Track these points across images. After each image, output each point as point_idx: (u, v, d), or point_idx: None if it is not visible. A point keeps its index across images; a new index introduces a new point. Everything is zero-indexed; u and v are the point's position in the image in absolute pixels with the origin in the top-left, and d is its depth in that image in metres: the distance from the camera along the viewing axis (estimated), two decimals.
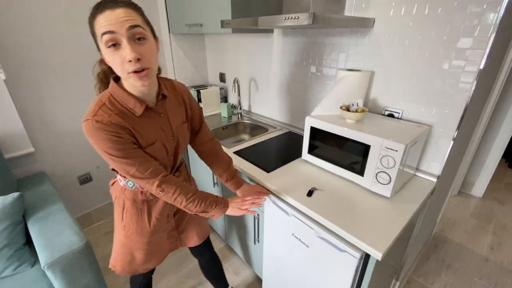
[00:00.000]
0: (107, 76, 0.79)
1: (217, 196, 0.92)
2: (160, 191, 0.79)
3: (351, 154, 1.05)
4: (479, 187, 2.40)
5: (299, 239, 1.03)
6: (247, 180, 1.25)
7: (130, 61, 0.64)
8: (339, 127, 1.05)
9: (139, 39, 0.65)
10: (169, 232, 1.04)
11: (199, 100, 2.00)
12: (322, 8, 1.11)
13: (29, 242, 1.23)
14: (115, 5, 0.62)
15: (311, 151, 1.21)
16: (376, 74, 1.20)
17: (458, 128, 1.02)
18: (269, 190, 1.10)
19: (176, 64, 2.06)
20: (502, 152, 2.23)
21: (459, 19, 0.91)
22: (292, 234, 1.05)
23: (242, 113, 1.97)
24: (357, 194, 1.03)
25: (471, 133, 1.57)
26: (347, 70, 1.21)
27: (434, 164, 1.12)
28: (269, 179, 1.12)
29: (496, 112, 2.13)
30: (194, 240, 1.13)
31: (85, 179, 1.92)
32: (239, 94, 1.91)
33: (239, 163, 1.27)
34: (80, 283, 1.14)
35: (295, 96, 1.62)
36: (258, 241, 1.35)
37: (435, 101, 1.05)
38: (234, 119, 1.92)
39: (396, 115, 1.18)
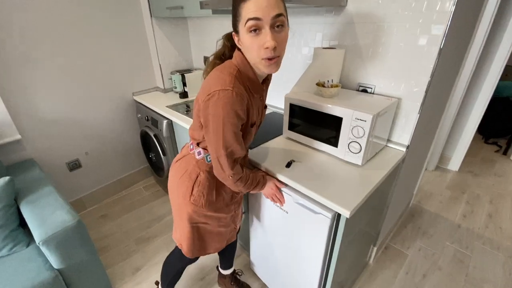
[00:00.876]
0: (224, 54, 0.84)
1: (262, 176, 1.00)
2: (232, 175, 0.83)
3: (326, 128, 1.12)
4: (455, 162, 2.54)
5: (279, 206, 1.11)
6: None
7: (267, 48, 0.67)
8: (314, 102, 1.12)
9: (278, 26, 0.67)
10: (231, 217, 1.09)
11: (184, 84, 2.02)
12: None
13: (22, 225, 1.27)
14: None
15: (291, 127, 1.28)
16: (350, 52, 1.25)
17: (423, 102, 1.10)
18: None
19: (159, 49, 2.06)
20: (476, 128, 2.35)
21: None
22: (274, 203, 1.13)
23: None
24: (332, 164, 1.10)
25: (443, 108, 1.66)
26: (323, 48, 1.26)
27: (403, 135, 1.20)
28: (252, 155, 1.19)
29: (470, 88, 2.24)
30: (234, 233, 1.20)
31: (74, 166, 1.95)
32: None
33: None
34: (74, 258, 1.20)
35: (279, 77, 1.66)
36: (248, 211, 1.43)
37: (403, 77, 1.12)
38: None
39: (369, 90, 1.25)
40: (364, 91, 1.26)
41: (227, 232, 1.12)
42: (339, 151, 1.11)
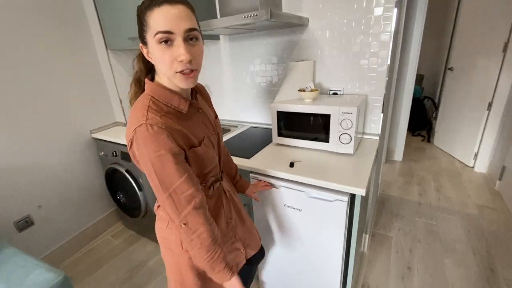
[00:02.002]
0: (141, 78, 0.73)
1: (233, 265, 0.82)
2: (183, 224, 0.67)
3: (315, 127, 1.24)
4: (399, 153, 3.00)
5: (291, 207, 1.14)
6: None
7: (181, 61, 0.62)
8: (302, 106, 1.24)
9: (192, 39, 0.63)
10: (232, 243, 0.91)
11: None
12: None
13: None
14: (174, 0, 0.60)
15: (280, 133, 1.36)
16: (318, 62, 1.45)
17: (384, 97, 1.34)
18: (271, 184, 1.17)
19: (118, 82, 1.96)
20: (407, 123, 2.86)
21: (363, 13, 1.23)
22: (284, 205, 1.16)
23: None
24: (328, 157, 1.21)
25: (387, 105, 2.00)
26: (295, 61, 1.43)
27: (374, 126, 1.41)
28: (252, 163, 1.21)
29: (397, 91, 2.74)
30: (255, 245, 1.04)
31: (25, 224, 1.61)
32: None
33: None
34: None
35: (250, 95, 1.77)
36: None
37: (366, 79, 1.35)
38: None
39: (338, 93, 1.45)
40: (335, 94, 1.46)
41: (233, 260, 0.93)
42: (331, 145, 1.23)
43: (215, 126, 0.85)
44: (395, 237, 1.84)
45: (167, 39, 0.60)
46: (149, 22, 0.61)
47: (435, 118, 3.52)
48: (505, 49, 2.25)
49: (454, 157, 2.95)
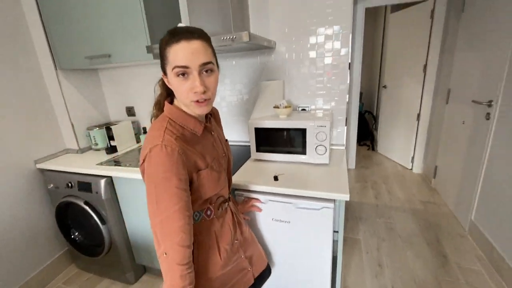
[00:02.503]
0: (161, 101, 0.78)
1: None
2: (165, 253, 0.66)
3: (292, 141, 1.32)
4: (352, 162, 3.30)
5: (279, 220, 1.16)
6: None
7: (195, 92, 0.67)
8: (280, 121, 1.30)
9: (207, 71, 0.69)
10: (238, 263, 0.92)
11: (111, 138, 1.79)
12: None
13: None
14: (191, 36, 0.65)
15: (258, 149, 1.39)
16: (286, 82, 1.56)
17: (347, 111, 1.50)
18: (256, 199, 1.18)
19: (69, 105, 1.77)
20: (356, 134, 3.20)
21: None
22: (272, 219, 1.17)
23: None
24: (307, 169, 1.28)
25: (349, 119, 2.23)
26: (266, 81, 1.51)
27: (339, 137, 1.56)
28: (235, 180, 1.21)
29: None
30: (261, 262, 1.05)
31: None
32: None
33: None
34: None
35: (221, 113, 1.78)
36: None
37: (329, 96, 1.50)
38: None
39: (307, 109, 1.57)
40: (303, 110, 1.57)
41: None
42: (308, 157, 1.31)
43: (225, 149, 0.90)
44: (363, 239, 1.99)
45: (184, 73, 0.66)
46: (169, 57, 0.67)
47: (376, 129, 4.02)
48: (424, 70, 2.76)
49: (396, 162, 3.38)
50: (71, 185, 1.54)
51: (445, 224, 2.09)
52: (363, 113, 4.19)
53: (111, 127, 1.77)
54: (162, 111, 0.77)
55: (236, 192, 1.20)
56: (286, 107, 1.38)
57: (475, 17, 1.97)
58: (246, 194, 1.18)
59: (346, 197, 1.02)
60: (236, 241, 0.91)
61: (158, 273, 1.75)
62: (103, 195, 1.47)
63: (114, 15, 1.41)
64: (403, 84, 3.12)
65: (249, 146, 1.42)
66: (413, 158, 3.09)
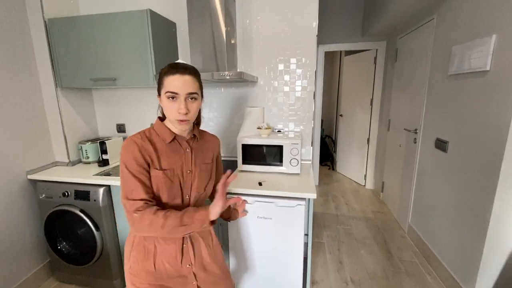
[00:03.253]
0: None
1: (193, 209, 0.92)
2: (137, 210, 0.83)
3: (272, 155, 1.65)
4: (315, 179, 3.74)
5: (263, 217, 1.44)
6: None
7: (179, 113, 0.87)
8: (262, 139, 1.64)
9: (191, 98, 0.89)
10: (183, 284, 1.00)
11: (105, 152, 1.93)
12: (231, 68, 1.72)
13: None
14: (184, 71, 0.86)
15: (244, 162, 1.69)
16: (266, 109, 1.93)
17: (312, 133, 1.90)
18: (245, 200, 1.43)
19: (65, 120, 1.90)
20: (319, 155, 3.67)
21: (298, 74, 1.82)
22: (257, 217, 1.45)
23: None
24: (283, 177, 1.61)
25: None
26: (250, 107, 1.86)
27: (307, 154, 1.94)
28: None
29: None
30: None
31: None
32: None
33: None
34: None
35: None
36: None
37: (298, 121, 1.90)
38: None
39: (282, 130, 1.94)
40: (279, 131, 1.93)
41: None
42: (284, 168, 1.64)
43: (193, 168, 0.98)
44: (326, 242, 2.33)
45: (173, 96, 0.86)
46: (164, 83, 0.87)
47: (335, 151, 4.58)
48: (371, 103, 3.38)
49: (352, 179, 3.90)
50: (67, 194, 1.65)
51: (390, 228, 2.55)
52: (324, 138, 4.77)
53: (105, 141, 1.92)
54: None
55: (228, 195, 1.47)
56: (266, 128, 1.72)
57: (404, 65, 2.61)
58: (235, 197, 1.45)
59: (314, 195, 1.36)
60: (188, 265, 0.99)
61: None
62: (101, 202, 1.60)
63: (123, 43, 1.66)
64: (355, 113, 3.74)
65: (234, 160, 1.71)
66: (365, 176, 3.63)
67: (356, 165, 3.79)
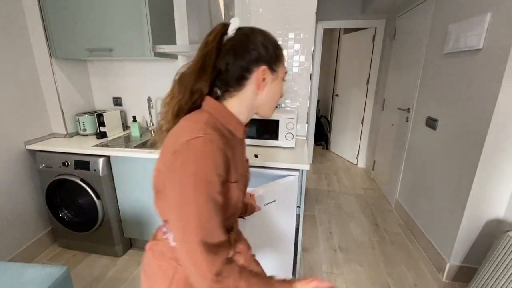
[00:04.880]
0: (201, 91, 0.64)
1: (278, 282, 0.62)
2: (215, 278, 0.52)
3: (268, 129, 1.69)
4: (310, 157, 3.83)
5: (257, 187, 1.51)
6: None
7: (282, 96, 0.71)
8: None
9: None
10: None
11: (102, 124, 1.95)
12: None
13: None
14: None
15: None
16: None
17: (308, 109, 1.94)
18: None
19: (61, 91, 1.89)
20: (313, 134, 3.74)
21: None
22: (252, 187, 1.52)
23: (155, 129, 2.14)
24: (278, 151, 1.66)
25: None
26: None
27: (302, 130, 1.99)
28: None
29: None
30: None
31: None
32: (150, 113, 2.08)
33: None
34: None
35: None
36: None
37: (295, 97, 1.93)
38: (147, 137, 2.05)
39: (278, 106, 1.97)
40: (276, 107, 1.96)
41: None
42: (280, 141, 1.70)
43: (247, 168, 0.77)
44: (317, 215, 2.45)
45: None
46: (282, 60, 0.66)
47: (329, 131, 4.65)
48: (367, 83, 3.41)
49: (344, 158, 4.01)
50: (67, 164, 1.69)
51: (379, 204, 2.68)
52: (320, 118, 4.81)
53: (102, 114, 1.94)
54: (193, 104, 0.65)
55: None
56: None
57: (401, 44, 2.62)
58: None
59: (307, 167, 1.43)
60: None
61: (144, 247, 1.95)
62: (101, 172, 1.65)
63: (119, 12, 1.62)
64: (351, 93, 3.76)
65: None
66: (357, 155, 3.73)
67: (349, 145, 3.88)
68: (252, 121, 1.66)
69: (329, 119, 4.85)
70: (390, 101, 2.83)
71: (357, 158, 3.75)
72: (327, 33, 4.59)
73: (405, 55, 2.51)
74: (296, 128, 1.84)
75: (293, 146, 1.69)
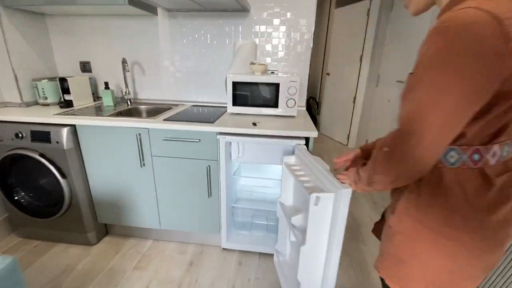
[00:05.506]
0: None
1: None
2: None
3: (267, 94, 1.47)
4: None
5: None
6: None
7: None
8: (257, 76, 1.44)
9: None
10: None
11: (67, 91, 1.63)
12: None
13: None
14: None
15: (234, 103, 1.50)
16: (259, 45, 1.70)
17: (308, 78, 1.74)
18: None
19: (12, 50, 1.53)
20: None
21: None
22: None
23: (131, 100, 1.84)
24: (278, 119, 1.46)
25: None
26: (241, 41, 1.62)
27: (302, 100, 1.79)
28: (217, 126, 1.30)
29: None
30: None
31: None
32: (125, 79, 1.77)
33: (178, 126, 1.31)
34: None
35: (190, 74, 1.81)
36: (211, 195, 1.45)
37: (295, 63, 1.71)
38: (122, 107, 1.75)
39: (275, 72, 1.75)
40: (272, 72, 1.74)
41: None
42: (280, 110, 1.49)
43: None
44: None
45: None
46: None
47: (318, 113, 4.51)
48: (361, 60, 3.26)
49: (335, 139, 3.90)
50: (21, 135, 1.37)
51: None
52: (308, 99, 4.65)
53: (66, 78, 1.61)
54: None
55: (218, 136, 1.30)
56: (261, 64, 1.52)
57: (400, 16, 2.47)
58: (227, 137, 1.29)
59: (315, 133, 1.24)
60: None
61: (122, 233, 1.70)
62: (65, 145, 1.36)
63: None
64: (343, 71, 3.61)
65: (220, 106, 1.51)
66: (348, 135, 3.62)
67: (340, 125, 3.76)
68: (249, 85, 1.44)
69: (317, 100, 4.71)
70: (386, 76, 2.70)
71: (348, 138, 3.64)
72: (317, 7, 4.36)
73: (405, 25, 2.36)
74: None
75: (295, 114, 1.49)
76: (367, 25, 3.10)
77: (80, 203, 1.49)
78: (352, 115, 3.51)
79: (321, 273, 0.96)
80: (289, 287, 1.16)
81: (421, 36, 1.94)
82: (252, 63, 1.51)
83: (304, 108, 1.79)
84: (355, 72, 3.36)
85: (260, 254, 1.58)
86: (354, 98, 3.43)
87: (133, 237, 1.70)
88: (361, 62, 3.26)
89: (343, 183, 0.84)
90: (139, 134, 1.35)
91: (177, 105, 1.81)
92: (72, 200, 1.47)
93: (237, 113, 1.54)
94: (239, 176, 1.76)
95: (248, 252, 1.59)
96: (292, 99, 1.46)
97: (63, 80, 1.62)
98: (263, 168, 1.77)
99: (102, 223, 1.65)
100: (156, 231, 1.66)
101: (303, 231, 1.00)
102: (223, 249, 1.60)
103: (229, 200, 1.52)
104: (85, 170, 1.48)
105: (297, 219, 1.09)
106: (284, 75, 1.63)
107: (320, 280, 0.97)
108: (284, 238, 1.31)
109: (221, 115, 1.51)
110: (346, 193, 0.82)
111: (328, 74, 3.99)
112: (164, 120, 1.37)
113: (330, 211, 0.88)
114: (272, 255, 1.55)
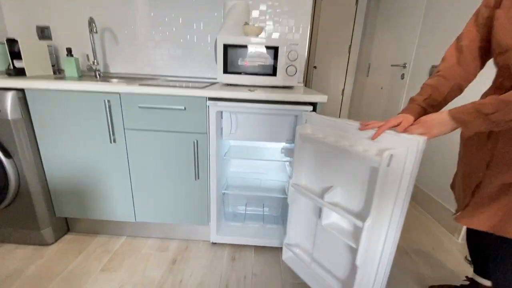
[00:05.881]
0: None
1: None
2: None
3: (263, 61, 1.27)
4: None
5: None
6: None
7: None
8: (252, 38, 1.24)
9: None
10: None
11: (17, 56, 1.32)
12: None
13: None
14: None
15: (225, 71, 1.29)
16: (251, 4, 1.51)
17: (309, 45, 1.57)
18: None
19: None
20: None
21: None
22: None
23: (101, 73, 1.56)
24: (276, 90, 1.25)
25: None
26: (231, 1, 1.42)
27: (300, 76, 1.61)
28: (207, 90, 1.08)
29: None
30: None
31: None
32: (92, 43, 1.49)
33: (158, 90, 1.07)
34: None
35: (174, 42, 1.58)
36: (199, 177, 1.21)
37: (294, 26, 1.53)
38: (89, 79, 1.47)
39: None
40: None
41: None
42: (278, 78, 1.29)
43: None
44: None
45: None
46: None
47: None
48: (349, 50, 3.18)
49: None
50: None
51: None
52: None
53: (17, 39, 1.31)
54: None
55: (208, 102, 1.08)
56: (256, 26, 1.32)
57: (391, 2, 2.40)
58: (219, 103, 1.07)
59: (324, 98, 1.06)
60: None
61: (87, 230, 1.40)
62: (9, 114, 1.07)
63: None
64: (331, 63, 3.52)
65: (206, 81, 1.30)
66: None
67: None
68: (242, 50, 1.24)
69: None
70: (378, 63, 2.63)
71: None
72: None
73: (396, 11, 2.30)
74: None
75: (295, 84, 1.31)
76: (355, 15, 3.04)
77: (31, 191, 1.18)
78: (341, 107, 3.42)
79: (381, 248, 0.80)
80: (331, 281, 0.96)
81: (417, 16, 1.84)
82: (246, 24, 1.31)
83: (303, 84, 1.61)
84: (343, 64, 3.28)
85: (256, 247, 1.36)
86: (343, 91, 3.35)
87: (102, 234, 1.40)
88: (349, 53, 3.18)
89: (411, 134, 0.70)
90: (108, 101, 1.09)
91: (156, 79, 1.56)
92: (20, 187, 1.16)
93: (229, 84, 1.32)
94: (230, 158, 1.53)
95: (241, 245, 1.36)
96: (293, 66, 1.27)
97: (12, 42, 1.31)
98: (256, 152, 1.55)
99: (61, 217, 1.34)
100: (131, 225, 1.38)
101: (357, 204, 0.84)
102: (213, 243, 1.36)
103: (219, 186, 1.29)
104: (37, 148, 1.18)
105: (333, 195, 0.89)
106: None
107: (378, 257, 0.80)
108: (301, 227, 1.10)
109: (210, 86, 1.29)
110: (422, 143, 0.68)
111: (315, 67, 3.89)
112: (141, 84, 1.13)
113: (402, 169, 0.71)
114: (270, 248, 1.34)
